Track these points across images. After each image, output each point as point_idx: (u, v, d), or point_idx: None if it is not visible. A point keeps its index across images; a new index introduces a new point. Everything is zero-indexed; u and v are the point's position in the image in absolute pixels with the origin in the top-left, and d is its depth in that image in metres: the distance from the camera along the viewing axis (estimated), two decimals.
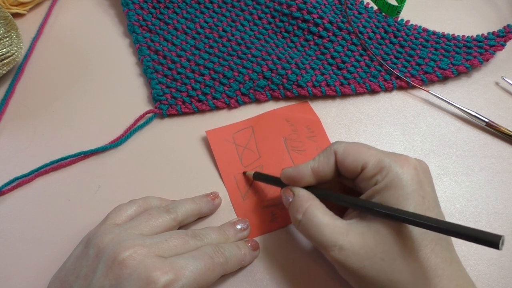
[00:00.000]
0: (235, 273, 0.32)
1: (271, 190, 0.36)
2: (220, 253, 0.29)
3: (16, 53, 0.41)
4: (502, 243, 0.20)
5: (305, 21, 0.44)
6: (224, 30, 0.45)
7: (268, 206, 0.35)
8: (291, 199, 0.30)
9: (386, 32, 0.44)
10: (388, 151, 0.28)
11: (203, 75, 0.42)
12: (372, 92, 0.42)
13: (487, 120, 0.39)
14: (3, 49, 0.40)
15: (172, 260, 0.27)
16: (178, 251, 0.28)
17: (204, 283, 0.28)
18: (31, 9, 0.48)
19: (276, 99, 0.42)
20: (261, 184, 0.36)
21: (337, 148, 0.29)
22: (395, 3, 0.45)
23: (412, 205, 0.25)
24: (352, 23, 0.44)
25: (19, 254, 0.34)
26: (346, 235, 0.26)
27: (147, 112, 0.40)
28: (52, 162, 0.37)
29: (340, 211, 0.29)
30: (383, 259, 0.25)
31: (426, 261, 0.25)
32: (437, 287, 0.25)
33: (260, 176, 0.35)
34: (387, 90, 0.42)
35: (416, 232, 0.25)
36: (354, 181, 0.29)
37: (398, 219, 0.25)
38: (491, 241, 0.20)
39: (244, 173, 0.37)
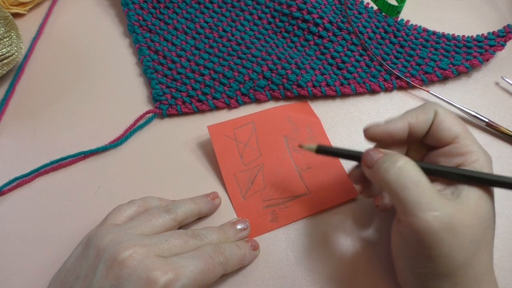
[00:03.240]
0: (235, 273, 0.32)
1: (272, 190, 0.36)
2: (220, 253, 0.29)
3: (16, 53, 0.41)
4: None
5: (305, 21, 0.44)
6: (224, 30, 0.45)
7: (268, 206, 0.35)
8: (378, 157, 0.26)
9: (386, 32, 0.44)
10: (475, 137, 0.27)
11: (203, 75, 0.42)
12: (372, 92, 0.42)
13: (487, 120, 0.39)
14: (3, 49, 0.40)
15: (172, 259, 0.27)
16: (178, 251, 0.28)
17: (204, 283, 0.28)
18: (31, 9, 0.48)
19: (276, 99, 0.42)
20: (262, 184, 0.36)
21: (438, 109, 0.27)
22: (395, 3, 0.45)
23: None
24: (352, 23, 0.44)
25: (19, 254, 0.34)
26: (448, 206, 0.24)
27: (147, 112, 0.40)
28: (52, 162, 0.37)
29: None
30: (471, 241, 0.24)
31: (491, 252, 0.26)
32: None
33: (325, 150, 0.31)
34: (387, 90, 0.42)
35: (494, 221, 0.25)
36: (432, 153, 0.28)
37: None
38: None
39: (301, 146, 0.32)
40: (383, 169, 0.26)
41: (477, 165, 0.26)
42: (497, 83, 0.42)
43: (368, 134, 0.29)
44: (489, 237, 0.25)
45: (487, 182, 0.25)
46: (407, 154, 0.30)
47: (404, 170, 0.25)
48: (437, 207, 0.24)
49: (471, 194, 0.25)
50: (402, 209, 0.25)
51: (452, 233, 0.24)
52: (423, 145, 0.29)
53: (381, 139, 0.28)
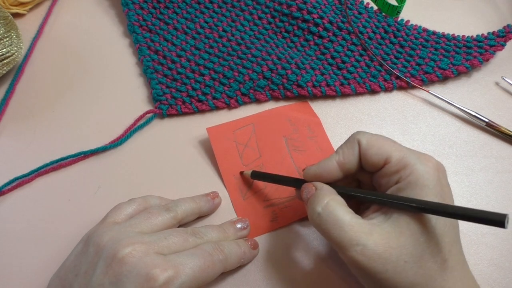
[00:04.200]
0: (234, 272, 0.32)
1: (272, 190, 0.36)
2: (219, 251, 0.29)
3: (16, 53, 0.41)
4: (507, 222, 0.21)
5: (305, 21, 0.44)
6: (224, 30, 0.45)
7: (268, 206, 0.35)
8: (310, 194, 0.28)
9: (386, 32, 0.44)
10: (410, 148, 0.27)
11: (203, 75, 0.42)
12: (372, 92, 0.42)
13: (487, 120, 0.39)
14: (3, 49, 0.40)
15: (172, 257, 0.27)
16: (178, 248, 0.28)
17: (203, 280, 0.28)
18: (31, 9, 0.48)
19: (276, 99, 0.42)
20: (262, 184, 0.36)
21: (360, 138, 0.28)
22: (395, 3, 0.45)
23: None
24: (352, 23, 0.44)
25: (19, 254, 0.34)
26: (370, 235, 0.25)
27: (147, 112, 0.40)
28: (52, 162, 0.37)
29: (356, 212, 0.28)
30: (406, 261, 0.24)
31: (444, 263, 0.25)
32: None
33: (259, 175, 0.35)
34: (387, 90, 0.42)
35: (437, 233, 0.25)
36: (374, 176, 0.28)
37: (443, 214, 0.24)
38: (497, 220, 0.21)
39: (242, 173, 0.37)
40: (309, 213, 0.27)
41: (411, 178, 0.26)
42: (497, 83, 0.42)
43: (304, 176, 0.30)
44: (434, 250, 0.25)
45: (400, 206, 0.25)
46: (358, 179, 0.31)
47: (325, 213, 0.26)
48: (360, 241, 0.25)
49: (399, 215, 0.25)
50: (334, 248, 0.26)
51: (381, 260, 0.24)
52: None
53: (321, 180, 0.29)
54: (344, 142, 0.29)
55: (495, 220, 0.21)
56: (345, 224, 0.25)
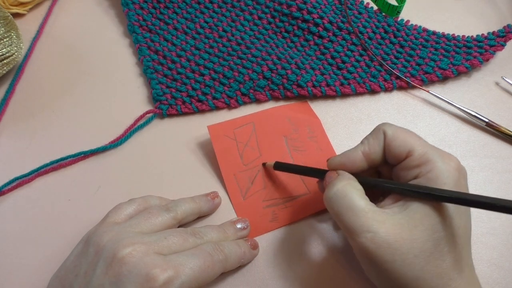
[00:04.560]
0: (234, 272, 0.32)
1: (272, 190, 0.36)
2: (219, 251, 0.29)
3: (16, 53, 0.41)
4: None
5: (305, 21, 0.44)
6: (224, 30, 0.45)
7: (268, 206, 0.35)
8: (333, 177, 0.28)
9: (386, 32, 0.44)
10: (434, 146, 0.27)
11: (203, 75, 0.42)
12: (372, 92, 0.42)
13: (487, 120, 0.39)
14: (3, 49, 0.40)
15: (172, 257, 0.27)
16: (178, 248, 0.28)
17: (203, 280, 0.28)
18: (31, 9, 0.48)
19: (276, 99, 0.42)
20: (262, 184, 0.36)
21: (386, 129, 0.28)
22: (395, 3, 0.45)
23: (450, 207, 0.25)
24: (352, 23, 0.44)
25: (19, 254, 0.34)
26: (383, 223, 0.24)
27: (147, 112, 0.40)
28: (52, 162, 0.37)
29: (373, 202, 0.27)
30: (416, 255, 0.24)
31: (453, 263, 0.25)
32: None
33: (282, 166, 0.34)
34: (387, 90, 0.42)
35: (450, 233, 0.25)
36: (394, 168, 0.28)
37: (463, 203, 0.23)
38: None
39: (264, 164, 0.36)
40: (325, 194, 0.27)
41: (431, 175, 0.26)
42: (497, 83, 0.42)
43: (329, 166, 0.30)
44: (445, 249, 0.25)
45: (422, 195, 0.25)
46: (379, 172, 0.31)
47: (340, 195, 0.26)
48: (371, 228, 0.24)
49: (417, 208, 0.25)
50: (344, 232, 0.26)
51: (391, 249, 0.24)
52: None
53: (341, 169, 0.29)
54: (370, 133, 0.29)
55: None
56: (358, 210, 0.25)
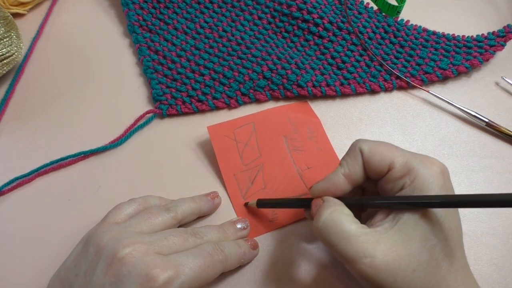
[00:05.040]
0: (234, 272, 0.32)
1: (271, 190, 0.36)
2: (219, 251, 0.29)
3: (16, 53, 0.41)
4: None
5: (305, 21, 0.44)
6: (224, 30, 0.45)
7: None
8: (319, 205, 0.28)
9: (386, 32, 0.44)
10: (413, 152, 0.27)
11: (203, 75, 0.42)
12: (372, 92, 0.42)
13: (487, 120, 0.39)
14: (3, 49, 0.40)
15: (172, 257, 0.27)
16: (178, 248, 0.28)
17: (203, 280, 0.28)
18: (31, 9, 0.48)
19: (276, 99, 0.42)
20: (262, 184, 0.36)
21: (362, 146, 0.28)
22: (395, 3, 0.45)
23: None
24: (352, 23, 0.44)
25: (19, 254, 0.34)
26: (378, 245, 0.24)
27: (147, 112, 0.40)
28: (52, 162, 0.37)
29: (362, 222, 0.27)
30: (414, 270, 0.24)
31: (448, 267, 0.25)
32: None
33: (265, 203, 0.34)
34: (387, 90, 0.42)
35: (442, 237, 0.25)
36: (378, 183, 0.28)
37: (460, 205, 0.23)
38: None
39: (246, 204, 0.35)
40: (314, 225, 0.27)
41: (416, 183, 0.25)
42: (497, 83, 0.42)
43: (312, 194, 0.29)
44: (440, 256, 0.24)
45: (409, 205, 0.25)
46: (363, 188, 0.31)
47: (329, 224, 0.25)
48: (367, 252, 0.24)
49: (407, 219, 0.25)
50: (340, 261, 0.26)
51: (391, 271, 0.24)
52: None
53: (330, 195, 0.28)
54: (346, 153, 0.29)
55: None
56: (350, 235, 0.25)
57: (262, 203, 0.34)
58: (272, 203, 0.34)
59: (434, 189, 0.25)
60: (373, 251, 0.24)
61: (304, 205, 0.30)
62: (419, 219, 0.25)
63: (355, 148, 0.28)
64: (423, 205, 0.25)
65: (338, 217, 0.26)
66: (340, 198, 0.28)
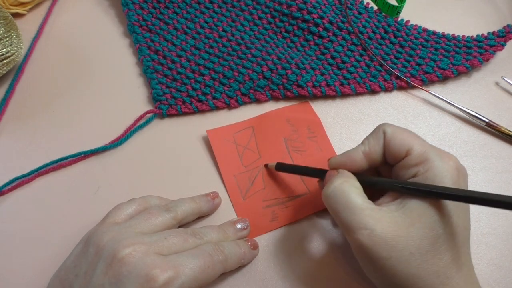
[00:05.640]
0: (234, 272, 0.32)
1: (271, 190, 0.36)
2: (219, 251, 0.29)
3: (16, 53, 0.41)
4: None
5: (305, 21, 0.44)
6: (224, 30, 0.45)
7: (268, 206, 0.35)
8: (332, 175, 0.28)
9: (386, 32, 0.44)
10: (433, 145, 0.28)
11: (203, 75, 0.42)
12: (372, 92, 0.42)
13: (487, 120, 0.39)
14: (3, 49, 0.40)
15: (172, 257, 0.27)
16: (178, 249, 0.28)
17: (203, 281, 0.28)
18: (31, 9, 0.48)
19: (276, 99, 0.42)
20: (261, 184, 0.36)
21: (386, 128, 0.28)
22: (395, 3, 0.45)
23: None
24: (352, 23, 0.44)
25: (19, 254, 0.34)
26: (379, 221, 0.25)
27: (147, 112, 0.40)
28: (52, 162, 0.37)
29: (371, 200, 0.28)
30: (412, 253, 0.24)
31: (450, 262, 0.25)
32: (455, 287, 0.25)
33: (284, 167, 0.35)
34: (387, 90, 0.42)
35: (448, 231, 0.25)
36: (394, 168, 0.28)
37: (461, 199, 0.24)
38: None
39: (266, 165, 0.37)
40: (323, 191, 0.28)
41: (429, 173, 0.26)
42: (497, 83, 0.42)
43: (329, 165, 0.30)
44: (442, 247, 0.25)
45: (419, 192, 0.25)
46: (378, 172, 0.31)
47: (338, 192, 0.27)
48: (368, 225, 0.25)
49: (415, 205, 0.25)
50: (341, 229, 0.27)
51: (387, 246, 0.24)
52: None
53: (342, 168, 0.29)
54: (370, 133, 0.29)
55: None
56: (356, 207, 0.26)
57: (281, 167, 0.35)
58: (290, 168, 0.35)
59: (446, 183, 0.25)
60: (373, 224, 0.25)
61: (320, 174, 0.31)
62: (428, 207, 0.25)
63: (379, 129, 0.29)
64: (432, 194, 0.25)
65: (347, 188, 0.27)
66: (354, 174, 0.29)
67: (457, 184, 0.26)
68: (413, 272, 0.24)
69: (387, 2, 0.45)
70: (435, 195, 0.25)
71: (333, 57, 0.43)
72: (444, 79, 0.42)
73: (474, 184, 0.37)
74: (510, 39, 0.43)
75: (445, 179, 0.25)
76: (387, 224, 0.25)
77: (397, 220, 0.25)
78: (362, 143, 0.29)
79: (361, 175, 0.29)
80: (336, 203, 0.26)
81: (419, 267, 0.24)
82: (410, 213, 0.25)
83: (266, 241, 0.34)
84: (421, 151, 0.27)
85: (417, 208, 0.25)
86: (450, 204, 0.25)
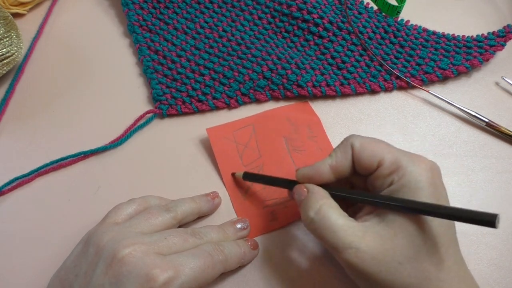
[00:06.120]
0: (234, 272, 0.32)
1: (271, 190, 0.36)
2: (219, 251, 0.29)
3: (16, 53, 0.41)
4: (498, 222, 0.21)
5: (305, 21, 0.44)
6: (224, 30, 0.45)
7: (268, 206, 0.35)
8: (303, 197, 0.28)
9: (386, 32, 0.44)
10: (404, 150, 0.28)
11: (203, 75, 0.42)
12: (372, 92, 0.42)
13: (487, 120, 0.39)
14: (3, 49, 0.40)
15: (172, 257, 0.27)
16: (178, 249, 0.28)
17: (203, 281, 0.28)
18: (31, 9, 0.48)
19: (276, 99, 0.42)
20: (261, 184, 0.36)
21: (353, 141, 0.28)
22: (395, 3, 0.45)
23: None
24: (352, 23, 0.44)
25: (19, 254, 0.34)
26: (363, 238, 0.25)
27: (147, 112, 0.40)
28: (52, 162, 0.37)
29: (350, 213, 0.28)
30: (400, 262, 0.25)
31: (440, 263, 0.25)
32: None
33: (251, 177, 0.35)
34: (387, 90, 0.42)
35: (432, 234, 0.25)
36: (368, 179, 0.28)
37: (435, 215, 0.24)
38: (488, 220, 0.21)
39: (233, 174, 0.36)
40: (303, 217, 0.28)
41: (404, 180, 0.26)
42: (497, 83, 0.42)
43: (297, 177, 0.30)
44: (429, 251, 0.25)
45: (393, 207, 0.25)
46: (351, 182, 0.31)
47: (318, 219, 0.27)
48: (352, 244, 0.25)
49: (394, 216, 0.25)
50: (329, 251, 0.27)
51: (375, 261, 0.25)
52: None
53: (312, 182, 0.29)
54: (338, 146, 0.29)
55: (486, 220, 0.21)
56: (338, 229, 0.26)
57: (248, 176, 0.35)
58: (258, 178, 0.35)
59: (423, 187, 0.25)
60: (358, 243, 0.25)
61: (288, 186, 0.31)
62: (405, 218, 0.25)
63: (347, 142, 0.29)
64: (406, 209, 0.25)
65: (327, 211, 0.27)
66: (327, 187, 0.29)
67: (433, 184, 0.26)
68: (405, 281, 0.25)
69: (387, 2, 0.45)
70: (408, 210, 0.25)
71: (333, 57, 0.43)
72: (444, 79, 0.42)
73: (474, 184, 0.37)
74: (510, 39, 0.43)
75: (421, 183, 0.25)
76: (371, 240, 0.25)
77: (380, 233, 0.25)
78: (330, 155, 0.29)
79: (333, 188, 0.29)
80: (319, 228, 0.26)
81: (410, 275, 0.25)
82: (392, 224, 0.25)
83: (266, 241, 0.34)
84: (392, 159, 0.27)
85: (397, 218, 0.25)
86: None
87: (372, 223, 0.26)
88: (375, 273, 0.25)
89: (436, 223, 0.25)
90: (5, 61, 0.41)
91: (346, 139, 0.29)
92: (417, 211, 0.25)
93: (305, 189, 0.29)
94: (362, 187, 0.30)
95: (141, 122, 0.40)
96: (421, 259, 0.25)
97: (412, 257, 0.25)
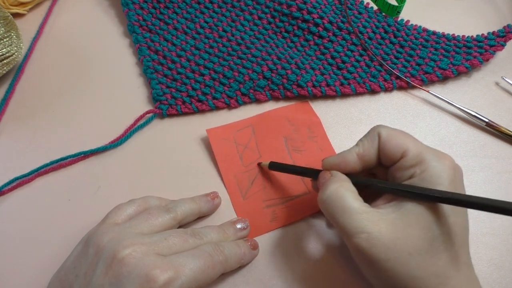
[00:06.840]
0: (234, 272, 0.32)
1: (272, 190, 0.36)
2: (219, 251, 0.29)
3: (16, 53, 0.41)
4: None
5: (305, 21, 0.44)
6: (224, 30, 0.45)
7: (268, 206, 0.35)
8: (325, 180, 0.28)
9: (386, 32, 0.44)
10: (429, 146, 0.28)
11: (203, 75, 0.42)
12: (372, 92, 0.42)
13: (487, 120, 0.39)
14: (3, 49, 0.40)
15: (172, 258, 0.27)
16: (178, 249, 0.28)
17: (203, 281, 0.28)
18: (31, 9, 0.48)
19: (276, 99, 0.42)
20: (262, 184, 0.36)
21: (381, 130, 0.28)
22: (395, 3, 0.45)
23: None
24: (352, 23, 0.44)
25: (19, 254, 0.34)
26: (377, 224, 0.25)
27: (147, 112, 0.40)
28: (52, 162, 0.37)
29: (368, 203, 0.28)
30: (410, 253, 0.24)
31: (450, 262, 0.25)
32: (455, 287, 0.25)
33: (277, 166, 0.35)
34: (387, 90, 0.42)
35: (446, 232, 0.25)
36: (389, 170, 0.28)
37: (455, 203, 0.24)
38: None
39: (259, 164, 0.37)
40: (319, 196, 0.28)
41: (425, 174, 0.26)
42: (497, 83, 0.42)
43: (323, 166, 0.30)
44: (440, 248, 0.25)
45: (414, 195, 0.25)
46: (373, 174, 0.31)
47: (334, 198, 0.27)
48: (365, 228, 0.25)
49: (412, 207, 0.25)
50: (339, 233, 0.27)
51: (385, 248, 0.24)
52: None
53: (339, 170, 0.29)
54: (365, 135, 0.29)
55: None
56: (352, 211, 0.26)
57: (274, 165, 0.35)
58: (284, 167, 0.35)
59: (443, 184, 0.25)
60: (371, 227, 0.25)
61: (313, 175, 0.31)
62: (424, 208, 0.25)
63: (374, 131, 0.29)
64: (427, 197, 0.25)
65: (343, 192, 0.27)
66: (348, 175, 0.29)
67: (453, 183, 0.26)
68: (412, 273, 0.24)
69: (387, 2, 0.45)
70: (429, 198, 0.25)
71: (333, 57, 0.43)
72: (444, 79, 0.42)
73: (474, 184, 0.37)
74: (510, 39, 0.43)
75: (442, 179, 0.25)
76: (384, 227, 0.25)
77: (394, 222, 0.25)
78: (356, 144, 0.29)
79: (355, 177, 0.29)
80: (333, 208, 0.26)
81: (418, 267, 0.24)
82: (407, 214, 0.25)
83: (266, 241, 0.34)
84: (416, 152, 0.27)
85: (414, 209, 0.25)
86: (448, 205, 0.25)
87: (388, 211, 0.26)
88: (383, 261, 0.24)
89: (451, 221, 0.25)
90: (5, 61, 0.41)
91: (373, 129, 0.29)
92: (440, 199, 0.24)
93: (329, 173, 0.29)
94: (383, 178, 0.30)
95: (141, 122, 0.40)
96: (432, 254, 0.25)
97: (423, 250, 0.24)
